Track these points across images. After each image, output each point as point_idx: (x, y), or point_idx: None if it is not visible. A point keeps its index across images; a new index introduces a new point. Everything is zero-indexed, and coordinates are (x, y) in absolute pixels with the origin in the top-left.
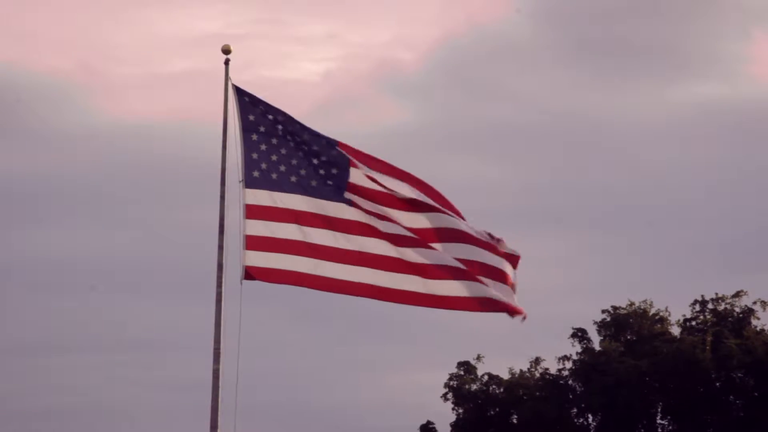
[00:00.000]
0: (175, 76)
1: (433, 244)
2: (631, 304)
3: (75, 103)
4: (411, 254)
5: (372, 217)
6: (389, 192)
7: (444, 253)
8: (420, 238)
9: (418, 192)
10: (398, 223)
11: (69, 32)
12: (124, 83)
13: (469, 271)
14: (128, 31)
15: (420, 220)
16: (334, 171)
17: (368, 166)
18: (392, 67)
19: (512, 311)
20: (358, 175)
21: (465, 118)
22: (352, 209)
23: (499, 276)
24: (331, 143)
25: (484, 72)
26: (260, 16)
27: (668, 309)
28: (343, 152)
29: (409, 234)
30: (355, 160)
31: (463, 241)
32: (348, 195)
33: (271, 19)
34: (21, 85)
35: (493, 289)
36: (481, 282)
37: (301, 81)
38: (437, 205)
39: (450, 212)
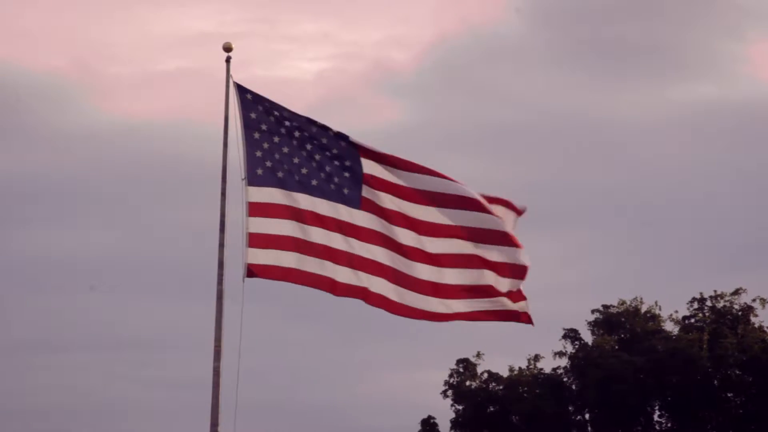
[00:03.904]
0: (171, 75)
1: (447, 240)
2: (623, 302)
3: (73, 103)
4: (419, 268)
5: (383, 221)
6: (403, 184)
7: (454, 265)
8: (430, 254)
9: (430, 182)
10: (412, 227)
11: (65, 31)
12: (121, 82)
13: (476, 288)
14: (123, 30)
15: (434, 215)
16: (347, 163)
17: (378, 161)
18: (386, 66)
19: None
20: (371, 165)
21: (461, 119)
22: (360, 212)
23: (515, 271)
24: (341, 136)
25: (479, 72)
26: (254, 15)
27: (658, 303)
28: (354, 143)
29: (420, 246)
30: (366, 149)
31: (476, 238)
32: (365, 188)
33: (264, 18)
34: (19, 84)
35: (502, 300)
36: (487, 295)
37: (295, 80)
38: (450, 196)
39: (464, 203)
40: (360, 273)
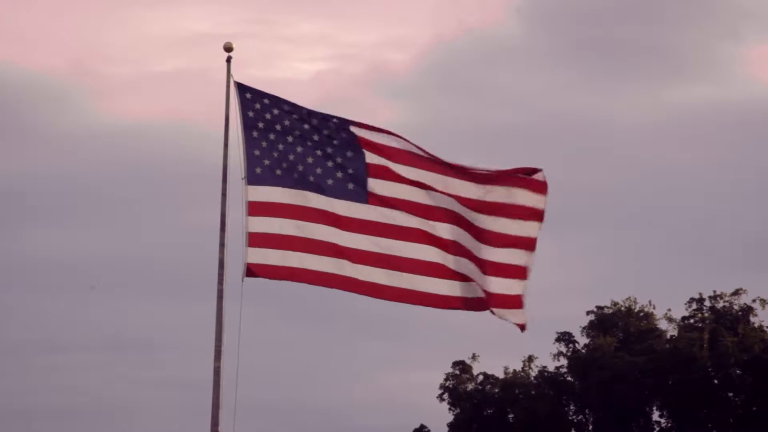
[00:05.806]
0: (169, 76)
1: (451, 226)
2: (615, 303)
3: (72, 103)
4: (429, 252)
5: (393, 211)
6: (406, 176)
7: (458, 249)
8: (439, 237)
9: (435, 175)
10: (421, 214)
11: (64, 32)
12: (119, 82)
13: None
14: (121, 31)
15: (440, 200)
16: (349, 154)
17: (380, 154)
18: (384, 68)
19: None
20: (374, 157)
21: (459, 120)
22: (366, 207)
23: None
24: (343, 126)
25: (478, 73)
26: (251, 16)
27: (652, 302)
28: (354, 134)
29: (427, 229)
30: (366, 140)
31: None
32: (370, 181)
33: (261, 19)
34: (19, 84)
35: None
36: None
37: (292, 81)
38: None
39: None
40: (363, 267)
